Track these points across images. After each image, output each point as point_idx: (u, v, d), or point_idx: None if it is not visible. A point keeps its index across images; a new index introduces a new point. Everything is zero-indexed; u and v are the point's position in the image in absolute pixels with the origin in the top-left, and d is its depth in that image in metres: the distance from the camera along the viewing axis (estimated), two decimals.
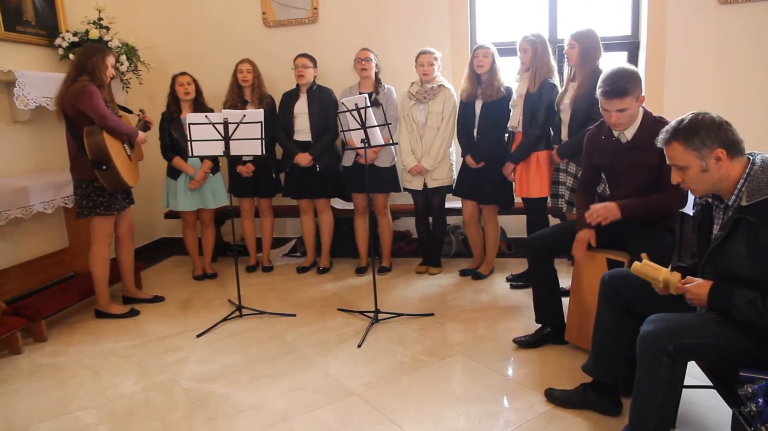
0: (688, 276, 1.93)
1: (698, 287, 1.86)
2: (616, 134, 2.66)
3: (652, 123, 2.56)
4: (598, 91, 2.58)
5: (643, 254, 2.03)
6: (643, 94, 2.57)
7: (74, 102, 3.29)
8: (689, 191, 1.97)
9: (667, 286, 1.93)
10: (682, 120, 1.86)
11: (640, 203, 2.57)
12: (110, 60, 3.49)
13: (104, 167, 3.32)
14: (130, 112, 3.85)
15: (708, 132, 1.80)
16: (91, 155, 3.30)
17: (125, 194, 3.70)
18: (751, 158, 1.83)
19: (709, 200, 1.95)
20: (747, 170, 1.80)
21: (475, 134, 3.96)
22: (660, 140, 1.92)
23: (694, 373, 2.23)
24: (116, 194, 3.54)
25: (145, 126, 3.82)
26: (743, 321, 1.77)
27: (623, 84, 2.49)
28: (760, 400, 1.56)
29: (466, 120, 3.99)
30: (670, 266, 2.03)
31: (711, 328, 1.83)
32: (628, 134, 2.62)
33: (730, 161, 1.80)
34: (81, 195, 3.47)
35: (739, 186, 1.81)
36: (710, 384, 1.99)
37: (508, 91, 3.87)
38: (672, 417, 1.90)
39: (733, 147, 1.81)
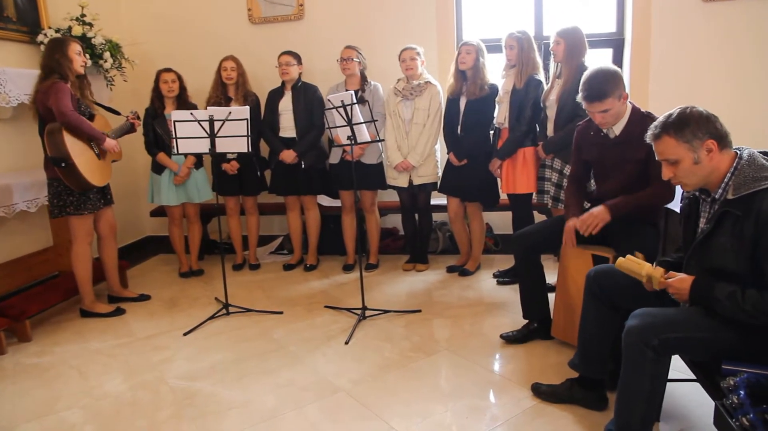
0: (670, 271, 1.95)
1: (680, 281, 1.88)
2: (605, 129, 2.69)
3: (640, 118, 2.58)
4: (579, 95, 2.61)
5: (638, 254, 2.02)
6: (626, 92, 2.59)
7: (43, 99, 3.26)
8: (679, 186, 1.98)
9: (650, 281, 1.95)
10: (671, 115, 1.87)
11: (629, 201, 2.60)
12: (74, 49, 3.37)
13: (63, 165, 3.25)
14: (117, 113, 3.79)
15: (698, 124, 1.81)
16: (50, 151, 3.24)
17: (101, 193, 3.60)
18: (738, 152, 1.85)
19: (697, 193, 1.96)
20: (734, 164, 1.82)
21: (459, 131, 3.96)
22: (649, 135, 1.92)
23: (677, 366, 2.25)
24: (87, 193, 3.45)
25: (131, 128, 3.74)
26: (725, 315, 1.79)
27: (602, 87, 2.52)
28: (742, 392, 1.59)
29: (451, 117, 3.99)
30: (655, 262, 2.04)
31: (695, 322, 1.85)
32: (617, 129, 2.65)
33: (720, 153, 1.82)
34: (52, 194, 3.41)
35: (726, 180, 1.83)
36: (693, 377, 2.02)
37: (492, 88, 3.87)
38: (657, 411, 1.92)
39: (722, 139, 1.82)
